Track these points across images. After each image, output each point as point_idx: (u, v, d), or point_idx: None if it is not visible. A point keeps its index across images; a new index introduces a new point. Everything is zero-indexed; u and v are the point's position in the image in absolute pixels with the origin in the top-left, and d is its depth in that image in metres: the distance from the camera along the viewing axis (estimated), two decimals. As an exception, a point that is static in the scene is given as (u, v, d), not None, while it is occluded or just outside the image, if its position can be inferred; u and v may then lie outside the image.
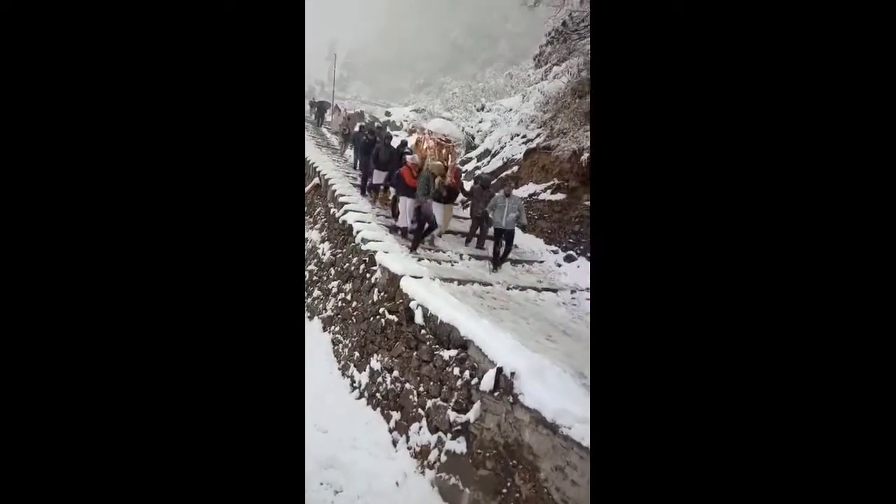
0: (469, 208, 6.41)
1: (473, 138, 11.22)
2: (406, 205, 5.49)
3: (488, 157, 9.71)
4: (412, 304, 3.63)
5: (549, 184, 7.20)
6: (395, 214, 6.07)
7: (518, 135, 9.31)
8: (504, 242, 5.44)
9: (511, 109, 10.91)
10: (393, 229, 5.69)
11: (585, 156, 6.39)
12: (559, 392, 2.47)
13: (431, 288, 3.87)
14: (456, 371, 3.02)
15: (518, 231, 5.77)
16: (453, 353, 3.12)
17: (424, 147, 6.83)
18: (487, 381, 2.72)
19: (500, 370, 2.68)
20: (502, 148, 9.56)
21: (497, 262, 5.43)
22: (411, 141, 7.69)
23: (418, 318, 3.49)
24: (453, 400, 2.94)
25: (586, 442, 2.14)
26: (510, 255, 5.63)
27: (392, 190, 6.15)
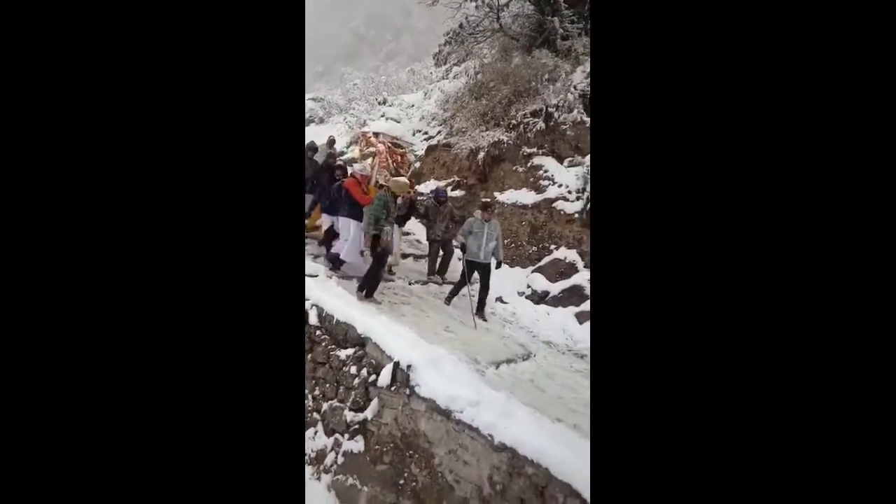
0: (426, 230, 5.05)
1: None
2: (350, 229, 4.09)
3: (391, 152, 9.64)
4: (306, 305, 3.45)
5: (449, 180, 7.43)
6: (328, 242, 4.53)
7: (420, 131, 9.40)
8: (480, 281, 4.27)
9: (413, 105, 10.96)
10: (335, 264, 4.18)
11: (482, 154, 6.74)
12: (453, 379, 2.59)
13: (328, 286, 3.71)
14: (353, 370, 2.96)
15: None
16: (350, 351, 3.05)
17: (372, 155, 5.32)
18: (385, 377, 2.72)
19: (396, 364, 2.70)
20: (404, 143, 9.57)
21: (479, 308, 4.24)
22: (351, 149, 6.31)
23: (312, 319, 3.33)
24: (350, 399, 2.88)
25: (476, 423, 2.29)
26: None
27: (325, 215, 4.63)
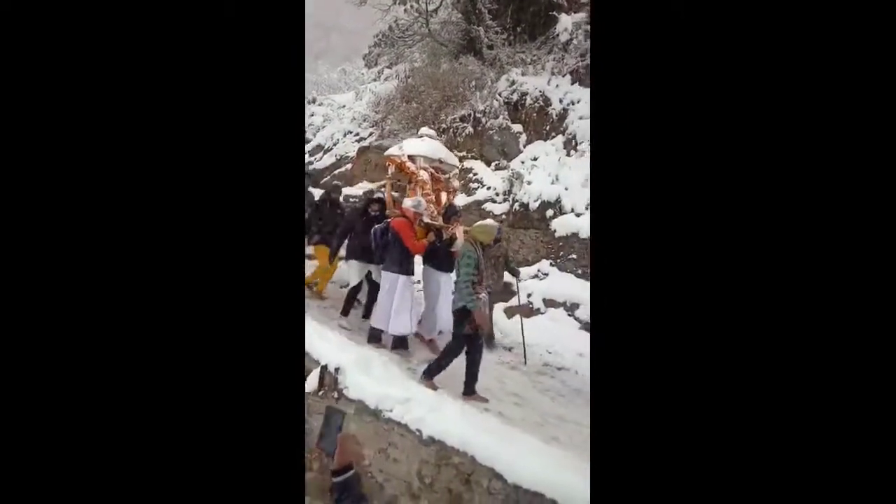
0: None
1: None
2: (398, 289, 3.12)
3: (321, 153, 9.34)
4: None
5: (382, 182, 7.39)
6: (350, 303, 3.65)
7: (351, 132, 9.24)
8: None
9: (344, 106, 10.72)
10: (377, 339, 3.21)
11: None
12: (382, 380, 2.60)
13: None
14: (278, 377, 2.84)
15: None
16: (275, 358, 2.92)
17: (412, 185, 4.11)
18: (311, 382, 2.65)
19: (324, 368, 2.65)
20: (335, 144, 9.34)
21: None
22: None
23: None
24: (276, 408, 2.76)
25: (405, 420, 2.32)
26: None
27: (352, 263, 3.64)
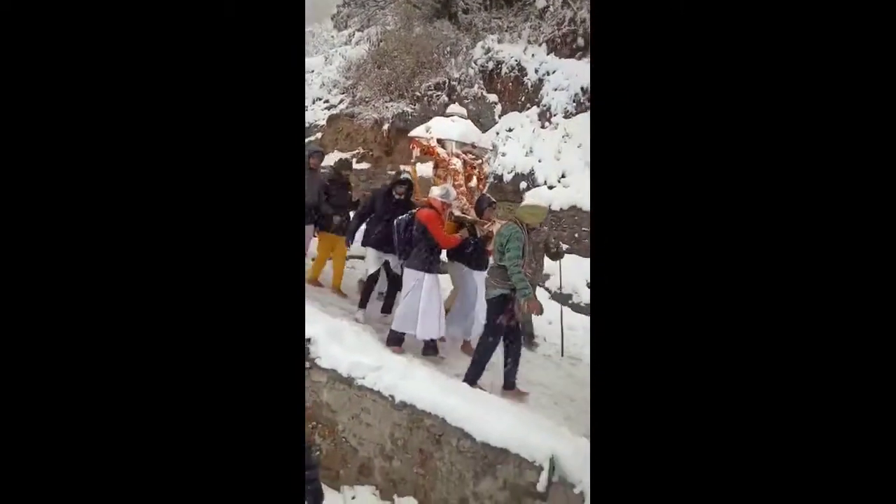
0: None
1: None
2: (423, 288, 2.79)
3: (289, 121, 8.93)
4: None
5: (354, 152, 7.18)
6: (367, 295, 3.32)
7: (320, 99, 8.84)
8: None
9: (312, 71, 10.18)
10: (396, 341, 2.86)
11: (387, 126, 6.61)
12: (355, 348, 2.62)
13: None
14: (248, 349, 2.80)
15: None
16: (244, 330, 2.87)
17: (439, 171, 3.48)
18: (283, 353, 2.63)
19: (295, 339, 2.63)
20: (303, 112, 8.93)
21: None
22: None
23: (198, 299, 3.02)
24: (246, 379, 2.74)
25: (377, 387, 2.36)
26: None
27: (371, 252, 3.28)
